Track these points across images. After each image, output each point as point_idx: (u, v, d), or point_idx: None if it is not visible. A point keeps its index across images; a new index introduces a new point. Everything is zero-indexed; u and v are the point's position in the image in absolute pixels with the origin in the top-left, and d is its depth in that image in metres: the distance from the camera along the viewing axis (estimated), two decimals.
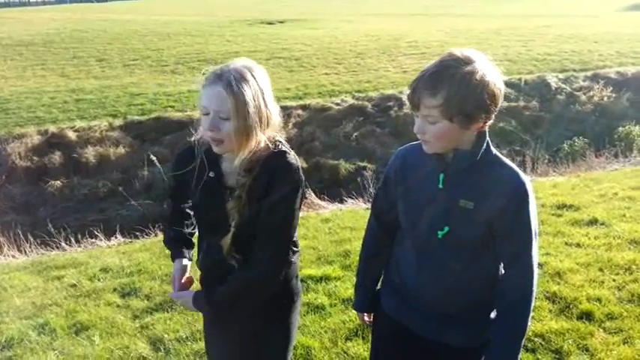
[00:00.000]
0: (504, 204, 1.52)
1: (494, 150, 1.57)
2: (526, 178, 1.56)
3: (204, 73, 1.64)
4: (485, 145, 1.55)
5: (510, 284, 1.58)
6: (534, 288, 1.59)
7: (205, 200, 1.76)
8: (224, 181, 1.73)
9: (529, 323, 1.61)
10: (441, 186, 1.58)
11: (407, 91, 1.51)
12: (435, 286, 1.65)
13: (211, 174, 1.73)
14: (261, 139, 1.64)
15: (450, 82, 1.42)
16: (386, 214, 1.78)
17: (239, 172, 1.67)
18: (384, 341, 1.87)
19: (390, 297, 1.81)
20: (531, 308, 1.60)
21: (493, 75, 1.46)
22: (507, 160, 1.59)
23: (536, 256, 1.58)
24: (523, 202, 1.53)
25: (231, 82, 1.56)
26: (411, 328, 1.74)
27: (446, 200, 1.57)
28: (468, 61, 1.44)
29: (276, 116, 1.68)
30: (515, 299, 1.57)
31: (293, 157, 1.71)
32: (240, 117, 1.57)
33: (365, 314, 1.99)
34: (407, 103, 1.53)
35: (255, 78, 1.60)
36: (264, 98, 1.62)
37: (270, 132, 1.68)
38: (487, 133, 1.55)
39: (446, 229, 1.57)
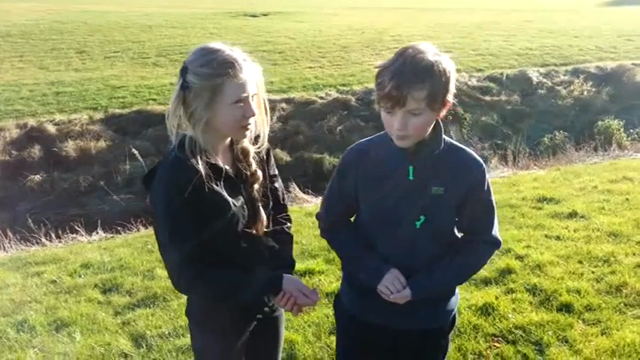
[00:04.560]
0: (470, 184, 1.65)
1: (444, 135, 1.67)
2: (480, 158, 1.70)
3: (201, 65, 1.52)
4: (441, 131, 1.63)
5: (474, 251, 1.72)
6: (488, 259, 1.79)
7: (238, 199, 1.64)
8: (228, 172, 1.64)
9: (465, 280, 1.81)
10: (411, 177, 1.63)
11: (377, 90, 1.53)
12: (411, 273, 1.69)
13: (228, 168, 1.63)
14: None
15: (432, 72, 1.48)
16: (335, 208, 1.84)
17: (239, 157, 1.68)
18: (354, 344, 1.86)
19: (355, 299, 1.81)
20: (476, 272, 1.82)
21: (451, 62, 1.56)
22: (460, 144, 1.70)
23: (498, 230, 1.74)
24: (484, 181, 1.67)
25: (249, 59, 1.57)
26: (381, 322, 1.76)
27: (418, 190, 1.63)
28: (433, 52, 1.51)
29: None
30: (472, 262, 1.74)
31: None
32: (261, 92, 1.63)
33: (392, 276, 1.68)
34: (381, 102, 1.53)
35: None
36: None
37: None
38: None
39: (422, 218, 1.64)
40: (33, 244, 5.47)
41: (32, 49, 14.58)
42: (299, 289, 1.67)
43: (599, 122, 10.04)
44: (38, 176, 8.23)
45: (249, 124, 1.60)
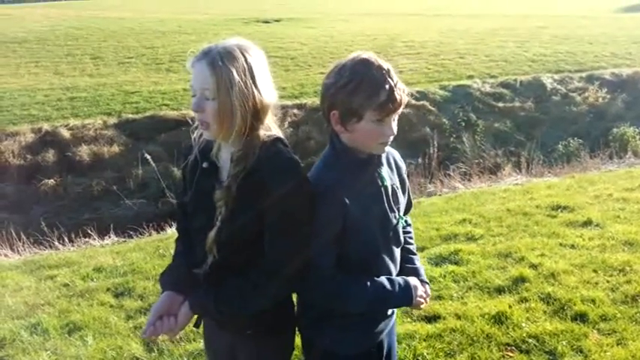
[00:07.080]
0: (403, 167, 1.76)
1: None
2: None
3: (192, 52, 1.56)
4: None
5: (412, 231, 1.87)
6: None
7: (196, 193, 1.62)
8: (219, 175, 1.61)
9: None
10: (385, 183, 1.62)
11: (384, 99, 1.50)
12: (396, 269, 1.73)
13: (205, 164, 1.61)
14: (251, 125, 1.50)
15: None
16: (330, 259, 1.56)
17: (231, 162, 1.54)
18: None
19: (359, 333, 1.69)
20: None
21: None
22: None
23: None
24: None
25: (215, 58, 1.48)
26: (384, 331, 1.76)
27: (391, 192, 1.65)
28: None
29: (268, 101, 1.53)
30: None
31: (291, 153, 1.56)
32: (222, 96, 1.46)
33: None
34: (381, 111, 1.49)
35: (245, 57, 1.50)
36: (253, 79, 1.49)
37: (266, 121, 1.56)
38: None
39: (402, 217, 1.69)
40: (46, 247, 5.52)
41: (48, 55, 14.77)
42: (156, 312, 1.60)
43: (615, 129, 9.93)
44: (52, 180, 8.31)
45: (199, 119, 1.53)
